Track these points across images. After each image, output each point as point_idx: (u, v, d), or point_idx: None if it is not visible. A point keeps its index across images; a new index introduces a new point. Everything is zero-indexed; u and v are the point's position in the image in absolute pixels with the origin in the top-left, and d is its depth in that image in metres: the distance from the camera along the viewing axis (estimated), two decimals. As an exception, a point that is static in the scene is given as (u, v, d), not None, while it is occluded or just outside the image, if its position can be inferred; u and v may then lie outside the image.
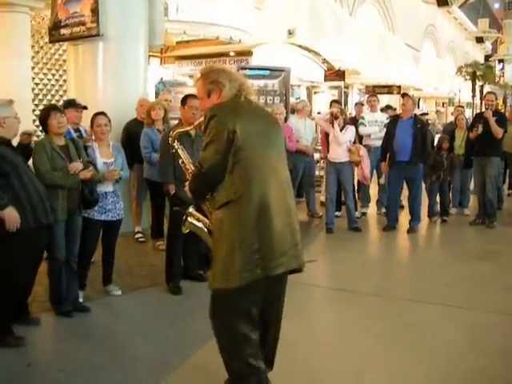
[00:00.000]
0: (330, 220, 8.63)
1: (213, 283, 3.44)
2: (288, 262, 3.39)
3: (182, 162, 3.86)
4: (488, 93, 10.33)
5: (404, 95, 9.39)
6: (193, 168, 3.67)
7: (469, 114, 25.43)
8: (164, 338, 4.69)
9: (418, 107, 30.50)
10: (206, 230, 3.62)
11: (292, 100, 12.63)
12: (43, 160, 4.87)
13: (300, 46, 14.36)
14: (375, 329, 4.95)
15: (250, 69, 11.15)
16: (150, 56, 9.74)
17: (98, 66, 8.17)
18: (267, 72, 11.34)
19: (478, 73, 36.60)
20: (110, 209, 5.43)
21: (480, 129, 8.97)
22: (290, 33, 16.09)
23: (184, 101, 5.85)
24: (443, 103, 37.11)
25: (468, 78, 36.49)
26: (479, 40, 46.28)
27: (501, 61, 52.90)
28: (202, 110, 3.60)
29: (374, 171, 9.79)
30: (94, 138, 5.62)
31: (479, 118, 9.47)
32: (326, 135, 8.98)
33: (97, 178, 5.27)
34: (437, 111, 23.76)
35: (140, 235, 7.83)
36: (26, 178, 4.52)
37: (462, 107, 12.67)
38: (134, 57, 8.34)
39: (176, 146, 3.93)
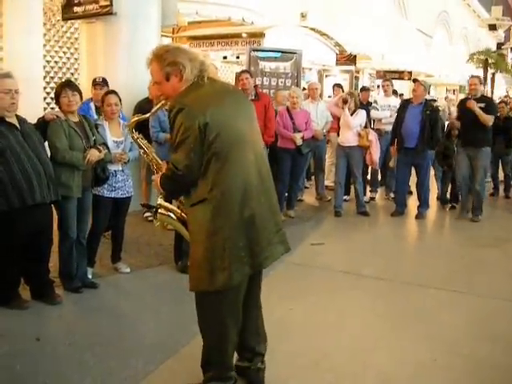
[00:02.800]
0: (338, 203, 8.64)
1: (197, 286, 3.19)
2: (275, 252, 3.24)
3: (144, 153, 3.61)
4: (471, 77, 9.35)
5: (415, 81, 9.32)
6: (157, 159, 3.51)
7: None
8: (172, 316, 4.74)
9: (429, 94, 30.36)
10: (179, 221, 3.38)
11: (303, 83, 12.60)
12: (61, 137, 4.89)
13: (313, 29, 14.29)
14: (380, 312, 4.98)
15: (261, 51, 11.12)
16: (161, 36, 9.70)
17: (110, 45, 8.17)
18: (279, 54, 11.30)
19: (490, 60, 36.29)
20: (120, 186, 5.45)
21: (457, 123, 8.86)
22: (303, 15, 16.04)
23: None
24: (454, 90, 36.86)
25: (480, 65, 36.19)
26: (492, 27, 45.72)
27: (513, 49, 52.39)
28: (162, 96, 3.26)
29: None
30: (104, 116, 5.62)
31: (462, 106, 8.85)
32: (338, 119, 8.98)
33: (108, 159, 5.29)
34: (446, 97, 23.57)
35: (149, 214, 7.83)
36: (24, 156, 4.49)
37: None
38: (146, 36, 8.30)
39: (135, 136, 3.65)
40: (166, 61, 3.10)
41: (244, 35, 12.15)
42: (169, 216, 3.40)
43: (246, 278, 3.18)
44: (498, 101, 29.75)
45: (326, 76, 16.21)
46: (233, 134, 3.06)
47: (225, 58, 12.73)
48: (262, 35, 11.79)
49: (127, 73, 8.03)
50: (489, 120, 8.38)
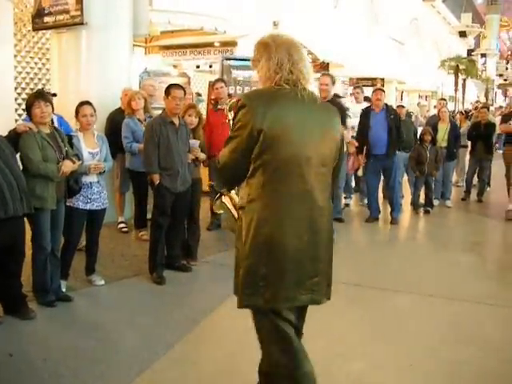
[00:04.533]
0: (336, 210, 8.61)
1: (239, 298, 2.83)
2: (299, 297, 2.78)
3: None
4: (322, 74, 8.65)
5: (376, 89, 9.42)
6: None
7: (451, 107, 25.56)
8: (148, 327, 4.69)
9: (402, 100, 30.67)
10: (235, 216, 3.04)
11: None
12: (34, 149, 4.83)
13: (285, 37, 14.33)
14: (357, 318, 5.00)
15: (234, 59, 11.12)
16: (134, 45, 9.67)
17: (81, 55, 8.11)
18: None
19: (461, 67, 36.83)
20: (95, 198, 5.40)
21: None
22: (275, 24, 16.07)
23: (167, 91, 5.83)
24: (426, 96, 37.27)
25: (451, 71, 36.71)
26: (462, 34, 46.48)
27: (483, 55, 53.26)
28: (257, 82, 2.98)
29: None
30: (78, 127, 5.57)
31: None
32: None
33: (83, 171, 5.25)
34: (418, 103, 23.87)
35: (123, 225, 7.81)
36: None
37: (445, 100, 12.76)
38: (118, 46, 8.28)
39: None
40: (256, 53, 2.89)
41: (216, 44, 12.16)
42: (228, 208, 3.14)
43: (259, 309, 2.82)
44: (470, 106, 30.09)
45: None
46: (291, 153, 2.68)
47: (198, 67, 12.72)
48: (234, 44, 11.81)
49: (99, 83, 7.99)
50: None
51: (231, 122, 3.02)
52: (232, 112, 3.15)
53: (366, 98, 11.49)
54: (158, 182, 5.78)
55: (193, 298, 5.41)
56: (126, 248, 6.95)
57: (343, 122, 8.56)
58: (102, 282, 5.65)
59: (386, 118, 8.64)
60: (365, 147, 8.80)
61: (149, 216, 7.54)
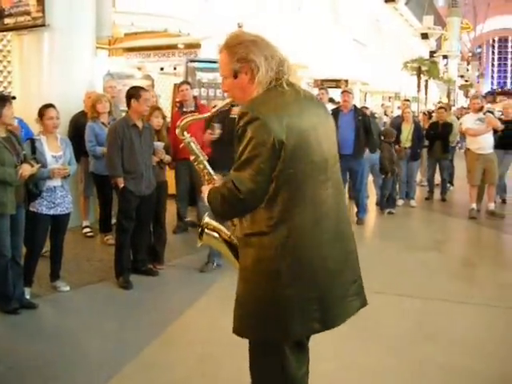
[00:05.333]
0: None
1: (243, 331, 2.63)
2: (349, 307, 2.64)
3: (195, 160, 2.88)
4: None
5: (344, 91, 9.52)
6: (209, 169, 2.85)
7: (415, 108, 25.91)
8: (115, 333, 4.64)
9: (365, 101, 30.97)
10: (226, 244, 2.86)
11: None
12: (-10, 153, 4.72)
13: (249, 40, 14.36)
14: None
15: (199, 61, 11.09)
16: (97, 48, 9.56)
17: (43, 57, 7.99)
18: (215, 65, 11.28)
19: (423, 68, 37.25)
20: (59, 203, 5.31)
21: None
22: (240, 26, 16.04)
23: (137, 94, 5.74)
24: (389, 97, 37.69)
25: (413, 73, 37.15)
26: (424, 36, 47.05)
27: (445, 57, 54.07)
28: (226, 92, 2.72)
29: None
30: (42, 130, 5.47)
31: None
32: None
33: (47, 175, 5.16)
34: (382, 105, 24.16)
35: (88, 230, 7.71)
36: None
37: (409, 101, 12.93)
38: (81, 48, 8.18)
39: (187, 139, 2.88)
40: (236, 55, 2.54)
41: (180, 46, 12.11)
42: (215, 237, 2.87)
43: (307, 336, 2.70)
44: (433, 107, 30.56)
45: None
46: (312, 160, 2.48)
47: (162, 69, 12.63)
48: (198, 46, 11.78)
49: (61, 86, 7.87)
50: None
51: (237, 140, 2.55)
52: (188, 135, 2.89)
53: (331, 100, 11.61)
54: (122, 185, 5.71)
55: (160, 302, 5.36)
56: (92, 253, 6.86)
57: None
58: (68, 288, 5.56)
59: (353, 119, 8.76)
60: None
61: (114, 220, 7.50)
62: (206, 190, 2.67)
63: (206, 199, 2.62)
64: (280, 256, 2.42)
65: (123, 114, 7.11)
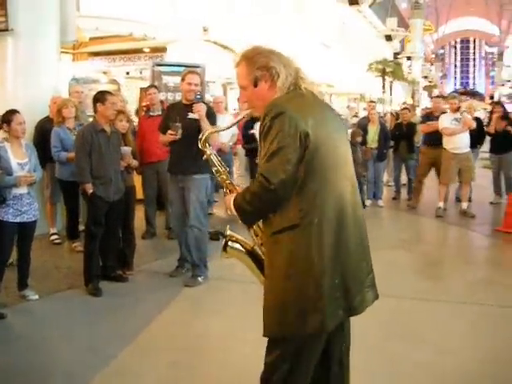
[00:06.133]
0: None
1: (280, 330, 2.60)
2: (367, 296, 2.77)
3: (217, 172, 2.96)
4: None
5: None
6: (231, 180, 2.94)
7: (380, 109, 26.17)
8: (86, 341, 4.57)
9: (331, 103, 31.15)
10: (249, 256, 2.90)
11: (207, 97, 12.61)
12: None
13: (215, 43, 14.37)
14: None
15: (165, 65, 11.04)
16: (61, 52, 9.45)
17: (7, 63, 7.87)
18: (182, 68, 11.25)
19: (388, 69, 37.75)
20: (26, 210, 5.24)
21: None
22: (205, 29, 16.07)
23: (103, 98, 5.70)
24: (355, 99, 38.03)
25: (378, 74, 37.58)
26: (388, 38, 47.66)
27: (408, 58, 54.70)
28: (245, 102, 2.84)
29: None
30: (6, 137, 5.36)
31: None
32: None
33: (13, 182, 5.07)
34: (348, 106, 24.33)
35: (55, 237, 7.61)
36: None
37: (374, 102, 13.05)
38: (45, 53, 8.08)
39: (208, 152, 2.99)
40: (256, 63, 2.68)
41: (146, 50, 12.06)
42: (238, 250, 2.90)
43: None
44: (397, 108, 30.89)
45: (231, 89, 16.31)
46: (332, 154, 2.61)
47: (128, 73, 12.56)
48: (164, 50, 11.75)
49: (26, 91, 7.76)
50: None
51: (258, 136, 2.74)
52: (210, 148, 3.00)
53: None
54: (90, 191, 5.65)
55: (131, 308, 5.31)
56: (60, 260, 6.77)
57: None
58: (36, 297, 5.47)
59: None
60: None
61: (82, 227, 7.42)
62: (229, 198, 2.71)
63: (231, 207, 2.65)
64: (313, 246, 2.50)
65: (90, 120, 7.05)
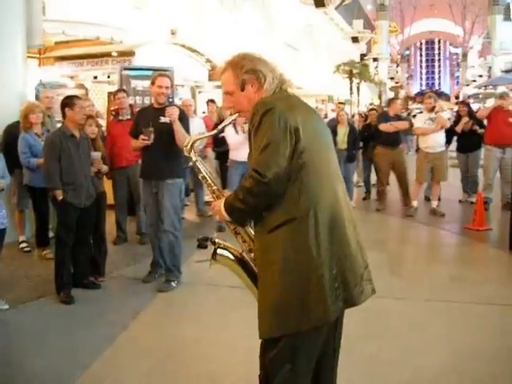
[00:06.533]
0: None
1: (280, 328, 2.57)
2: (366, 289, 2.75)
3: (203, 178, 2.94)
4: None
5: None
6: (218, 185, 2.92)
7: (348, 110, 26.37)
8: (60, 349, 4.50)
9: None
10: (238, 263, 2.86)
11: (176, 100, 12.53)
12: None
13: (183, 46, 14.30)
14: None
15: (133, 69, 10.95)
16: (28, 57, 9.31)
17: (-28, 68, 7.73)
18: (150, 72, 11.16)
19: (355, 71, 38.06)
20: (-6, 218, 5.15)
21: None
22: (173, 32, 15.99)
23: (71, 102, 5.63)
24: (323, 101, 38.24)
25: (345, 76, 37.86)
26: (355, 40, 48.09)
27: (375, 59, 55.24)
28: (231, 108, 2.89)
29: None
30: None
31: None
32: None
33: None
34: (316, 107, 24.46)
35: (25, 245, 7.49)
36: None
37: (343, 104, 13.13)
38: (11, 58, 7.96)
39: (194, 158, 2.97)
40: (243, 68, 2.73)
41: (114, 54, 11.92)
42: (228, 257, 2.86)
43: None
44: (365, 109, 31.11)
45: (199, 92, 16.24)
46: (322, 150, 2.67)
47: (95, 77, 12.40)
48: (132, 53, 11.62)
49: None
50: None
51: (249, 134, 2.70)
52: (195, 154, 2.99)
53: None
54: (61, 197, 5.57)
55: (105, 315, 5.24)
56: (30, 268, 6.65)
57: None
58: (6, 307, 5.37)
59: None
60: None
61: (51, 233, 7.31)
62: (218, 204, 2.71)
63: (222, 211, 2.65)
64: (310, 237, 2.52)
65: (58, 126, 6.95)
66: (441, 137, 9.60)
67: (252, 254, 2.81)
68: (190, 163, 2.95)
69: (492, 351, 4.44)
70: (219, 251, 2.86)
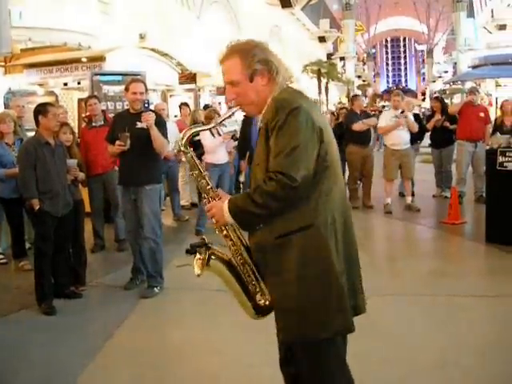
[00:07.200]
0: (202, 222, 8.54)
1: (303, 334, 2.48)
2: (364, 297, 2.70)
3: (197, 176, 2.67)
4: None
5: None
6: (212, 184, 2.66)
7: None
8: (46, 362, 4.40)
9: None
10: (228, 268, 2.67)
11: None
12: None
13: (153, 50, 14.22)
14: (262, 325, 4.95)
15: (104, 74, 10.85)
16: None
17: None
18: (121, 77, 11.08)
19: (323, 70, 38.31)
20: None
21: None
22: (142, 37, 15.89)
23: (44, 109, 5.54)
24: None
25: (313, 75, 38.06)
26: (321, 39, 48.38)
27: (342, 58, 55.70)
28: (233, 100, 2.61)
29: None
30: None
31: None
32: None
33: None
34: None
35: (1, 257, 7.33)
36: None
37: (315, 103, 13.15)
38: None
39: (190, 154, 2.67)
40: (255, 57, 2.50)
41: (84, 60, 11.79)
42: (221, 263, 2.66)
43: None
44: (334, 108, 31.29)
45: (171, 96, 16.17)
46: (336, 150, 2.55)
47: (65, 84, 12.25)
48: (102, 59, 11.50)
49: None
50: None
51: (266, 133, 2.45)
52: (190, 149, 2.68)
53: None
54: (37, 207, 5.47)
55: (88, 325, 5.15)
56: (7, 281, 6.52)
57: None
58: (-14, 320, 5.26)
59: None
60: (247, 154, 8.95)
61: (28, 244, 7.19)
62: (218, 205, 2.51)
63: (224, 214, 2.46)
64: (331, 245, 2.42)
65: (28, 134, 6.84)
66: (406, 134, 9.69)
67: (239, 258, 2.65)
68: (184, 158, 2.69)
69: (478, 343, 4.49)
70: (214, 258, 2.65)
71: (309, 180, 2.35)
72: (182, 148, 2.67)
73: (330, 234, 2.42)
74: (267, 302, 2.65)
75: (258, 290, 2.66)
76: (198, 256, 2.63)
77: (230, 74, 2.56)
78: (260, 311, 2.72)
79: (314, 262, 2.41)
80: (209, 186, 2.64)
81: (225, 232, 2.63)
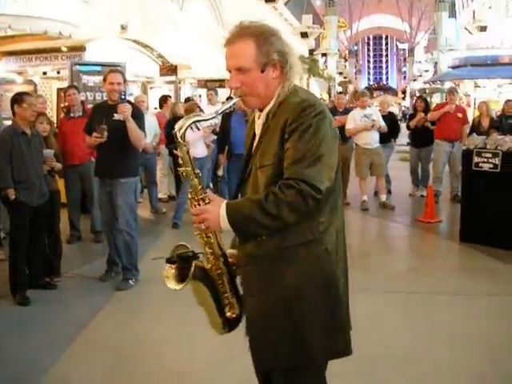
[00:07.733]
0: (179, 215, 8.54)
1: (312, 354, 2.30)
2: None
3: (189, 174, 2.31)
4: None
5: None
6: (202, 185, 2.30)
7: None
8: (18, 353, 4.39)
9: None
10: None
11: (127, 96, 12.38)
12: None
13: (135, 41, 14.15)
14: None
15: (83, 64, 10.78)
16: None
17: None
18: (101, 68, 11.01)
19: (304, 66, 38.36)
20: None
21: None
22: (123, 27, 15.80)
23: (20, 99, 5.50)
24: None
25: (295, 71, 38.12)
26: (304, 35, 48.40)
27: (324, 54, 55.80)
28: (238, 89, 2.26)
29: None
30: None
31: None
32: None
33: None
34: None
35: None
36: None
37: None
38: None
39: (185, 148, 2.30)
40: (273, 46, 2.20)
41: (64, 49, 11.70)
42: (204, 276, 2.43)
43: None
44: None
45: (151, 88, 16.11)
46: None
47: (45, 73, 12.15)
48: (83, 48, 11.44)
49: None
50: None
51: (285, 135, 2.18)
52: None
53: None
54: (13, 197, 5.43)
55: (62, 316, 5.13)
56: (-19, 270, 6.47)
57: None
58: (-42, 310, 5.22)
59: (244, 118, 8.80)
60: (226, 148, 8.96)
61: (2, 234, 7.14)
62: (213, 210, 2.21)
63: (219, 220, 2.18)
64: (334, 261, 2.26)
65: (5, 122, 6.78)
66: (375, 133, 9.79)
67: (215, 267, 2.44)
68: (179, 152, 2.29)
69: (451, 339, 4.56)
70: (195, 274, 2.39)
71: (330, 192, 2.18)
72: (179, 140, 2.27)
73: (333, 250, 2.25)
74: (234, 315, 2.51)
75: (227, 302, 2.49)
76: (174, 268, 2.47)
77: (239, 58, 2.22)
78: (228, 325, 2.59)
79: (316, 278, 2.23)
80: (200, 186, 2.29)
81: (210, 239, 2.41)
